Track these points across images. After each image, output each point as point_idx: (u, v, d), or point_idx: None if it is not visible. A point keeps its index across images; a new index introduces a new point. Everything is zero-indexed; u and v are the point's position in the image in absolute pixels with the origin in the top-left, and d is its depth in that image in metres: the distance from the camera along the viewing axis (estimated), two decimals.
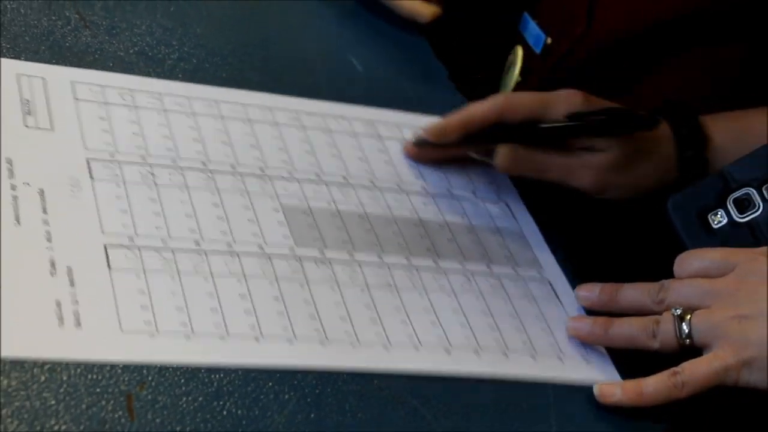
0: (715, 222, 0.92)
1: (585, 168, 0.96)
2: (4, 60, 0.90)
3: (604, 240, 0.99)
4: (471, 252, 0.92)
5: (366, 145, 0.98)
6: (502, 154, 0.95)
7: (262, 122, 0.95)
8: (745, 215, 0.91)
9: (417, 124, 1.02)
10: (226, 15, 1.07)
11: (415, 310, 0.85)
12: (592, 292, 0.91)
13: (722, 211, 0.92)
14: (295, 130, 0.96)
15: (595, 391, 0.85)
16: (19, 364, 0.71)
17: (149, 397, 0.72)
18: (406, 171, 0.97)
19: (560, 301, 0.91)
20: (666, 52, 1.03)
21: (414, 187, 0.96)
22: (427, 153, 0.98)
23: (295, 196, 0.90)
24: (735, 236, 0.90)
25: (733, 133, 0.98)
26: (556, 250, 0.96)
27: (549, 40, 1.08)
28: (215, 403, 0.74)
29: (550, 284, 0.92)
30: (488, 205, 0.97)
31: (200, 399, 0.74)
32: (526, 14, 1.13)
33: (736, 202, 0.91)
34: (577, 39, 1.06)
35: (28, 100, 0.88)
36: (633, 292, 0.89)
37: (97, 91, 0.91)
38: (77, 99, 0.90)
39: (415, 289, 0.87)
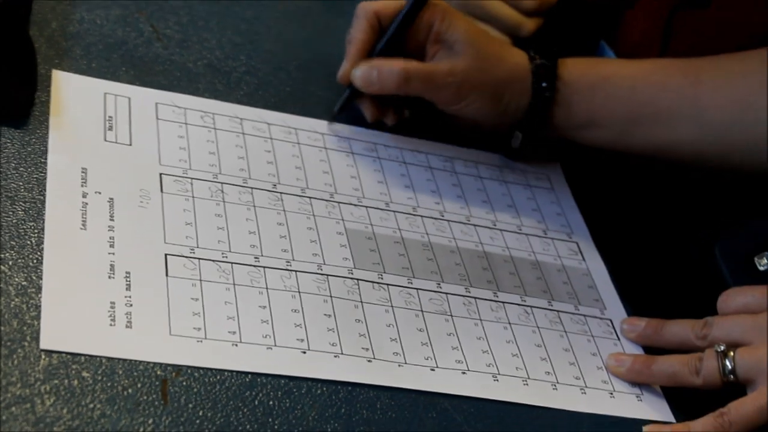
0: (762, 264, 0.93)
1: (446, 74, 0.96)
2: (93, 79, 0.95)
3: (666, 282, 0.99)
4: (532, 287, 0.93)
5: (439, 178, 0.99)
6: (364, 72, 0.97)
7: (338, 150, 0.98)
8: None
9: (494, 163, 1.03)
10: (294, 34, 1.10)
11: (467, 338, 0.86)
12: (637, 325, 0.92)
13: None
14: (370, 160, 0.98)
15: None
16: None
17: (184, 383, 0.75)
18: (478, 205, 0.98)
19: (619, 341, 0.91)
20: None
21: (483, 222, 0.97)
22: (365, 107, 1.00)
23: (360, 222, 0.92)
24: None
25: (584, 67, 1.00)
26: (622, 289, 0.96)
27: None
28: (248, 393, 0.76)
29: (611, 323, 0.92)
30: (557, 243, 0.98)
31: (233, 388, 0.76)
32: (602, 42, 1.14)
33: None
34: None
35: (111, 117, 0.92)
36: (677, 328, 0.90)
37: (180, 112, 0.95)
38: (159, 119, 0.94)
39: (470, 318, 0.88)
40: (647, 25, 1.10)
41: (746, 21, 1.04)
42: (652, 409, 0.87)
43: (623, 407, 0.86)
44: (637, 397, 0.87)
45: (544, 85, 0.98)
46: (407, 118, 1.02)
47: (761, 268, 0.92)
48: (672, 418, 0.87)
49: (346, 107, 1.00)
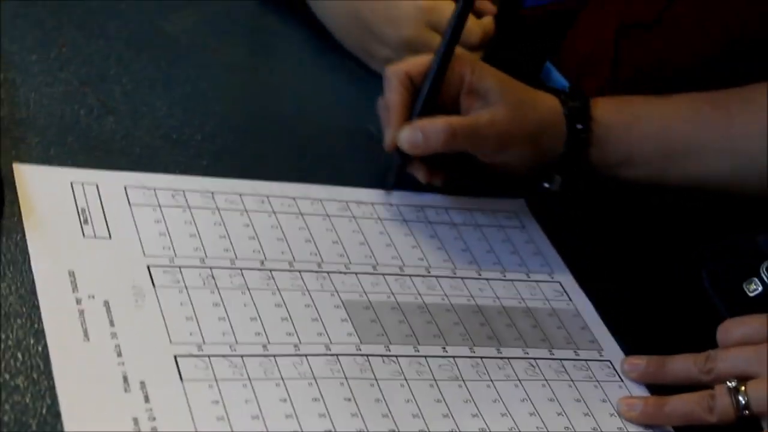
0: (751, 290, 0.93)
1: (488, 125, 0.96)
2: (57, 169, 0.90)
3: (655, 314, 0.99)
4: (531, 337, 0.92)
5: (416, 231, 0.98)
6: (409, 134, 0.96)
7: (314, 215, 0.95)
8: None
9: (464, 206, 1.02)
10: (239, 90, 1.08)
11: (484, 402, 0.85)
12: (638, 365, 0.91)
13: (756, 279, 0.93)
14: (346, 220, 0.96)
15: None
16: None
17: None
18: (459, 256, 0.97)
19: (623, 382, 0.91)
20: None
21: (468, 273, 0.96)
22: (417, 170, 1.00)
23: (354, 291, 0.90)
24: None
25: (616, 107, 1.01)
26: (611, 325, 0.96)
27: None
28: None
29: (611, 365, 0.92)
30: (542, 286, 0.97)
31: None
32: (548, 63, 1.14)
33: None
34: (602, 87, 1.07)
35: (84, 209, 0.88)
36: (680, 364, 0.90)
37: (150, 194, 0.91)
38: (131, 204, 0.90)
39: (482, 380, 0.87)
40: (593, 45, 1.10)
41: (695, 38, 1.05)
42: None
43: None
44: None
45: (579, 127, 0.98)
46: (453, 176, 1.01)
47: (751, 294, 0.93)
48: None
49: (400, 175, 0.99)
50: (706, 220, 1.04)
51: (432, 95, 0.97)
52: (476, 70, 0.98)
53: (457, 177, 1.01)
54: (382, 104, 0.99)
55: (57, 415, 0.73)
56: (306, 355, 0.83)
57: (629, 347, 0.94)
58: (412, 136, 0.96)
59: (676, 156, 1.00)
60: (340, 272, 0.91)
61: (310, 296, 0.88)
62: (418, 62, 0.99)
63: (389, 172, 0.99)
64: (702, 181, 1.00)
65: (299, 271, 0.90)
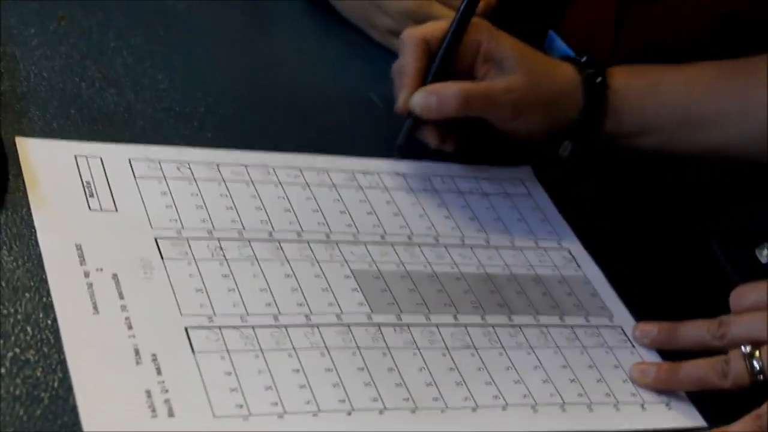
0: (763, 256, 0.93)
1: (504, 92, 0.96)
2: (60, 142, 0.89)
3: (665, 282, 0.98)
4: (541, 304, 0.91)
5: (424, 200, 0.97)
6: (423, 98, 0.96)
7: (320, 185, 0.94)
8: None
9: (469, 174, 1.01)
10: (243, 62, 1.07)
11: (497, 370, 0.84)
12: (650, 331, 0.91)
13: None
14: (353, 190, 0.95)
15: None
16: None
17: None
18: (467, 224, 0.96)
19: (635, 347, 0.91)
20: None
21: (477, 241, 0.95)
22: (428, 134, 0.99)
23: (363, 260, 0.89)
24: None
25: (632, 76, 1.01)
26: (621, 292, 0.95)
27: None
28: None
29: (623, 330, 0.92)
30: (551, 253, 0.96)
31: None
32: (551, 32, 1.13)
33: None
34: (606, 56, 1.06)
35: (89, 182, 0.87)
36: (692, 330, 0.89)
37: (155, 166, 0.90)
38: (136, 176, 0.89)
39: (494, 348, 0.86)
40: (595, 15, 1.09)
41: (700, 11, 1.04)
42: (682, 416, 0.86)
43: (656, 418, 0.86)
44: (666, 405, 0.87)
45: (594, 95, 0.97)
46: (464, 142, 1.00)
47: (764, 260, 0.92)
48: (703, 422, 0.87)
49: (410, 138, 0.98)
50: (715, 191, 1.04)
51: (447, 60, 0.97)
52: (493, 38, 0.97)
53: (467, 144, 1.00)
54: (396, 68, 0.98)
55: (69, 389, 0.72)
56: (317, 325, 0.82)
57: (639, 314, 0.93)
58: (425, 99, 0.95)
59: (691, 125, 0.99)
60: (349, 242, 0.90)
61: (320, 266, 0.87)
62: (436, 27, 0.98)
63: (400, 134, 0.98)
64: (715, 149, 1.00)
65: (308, 242, 0.89)
